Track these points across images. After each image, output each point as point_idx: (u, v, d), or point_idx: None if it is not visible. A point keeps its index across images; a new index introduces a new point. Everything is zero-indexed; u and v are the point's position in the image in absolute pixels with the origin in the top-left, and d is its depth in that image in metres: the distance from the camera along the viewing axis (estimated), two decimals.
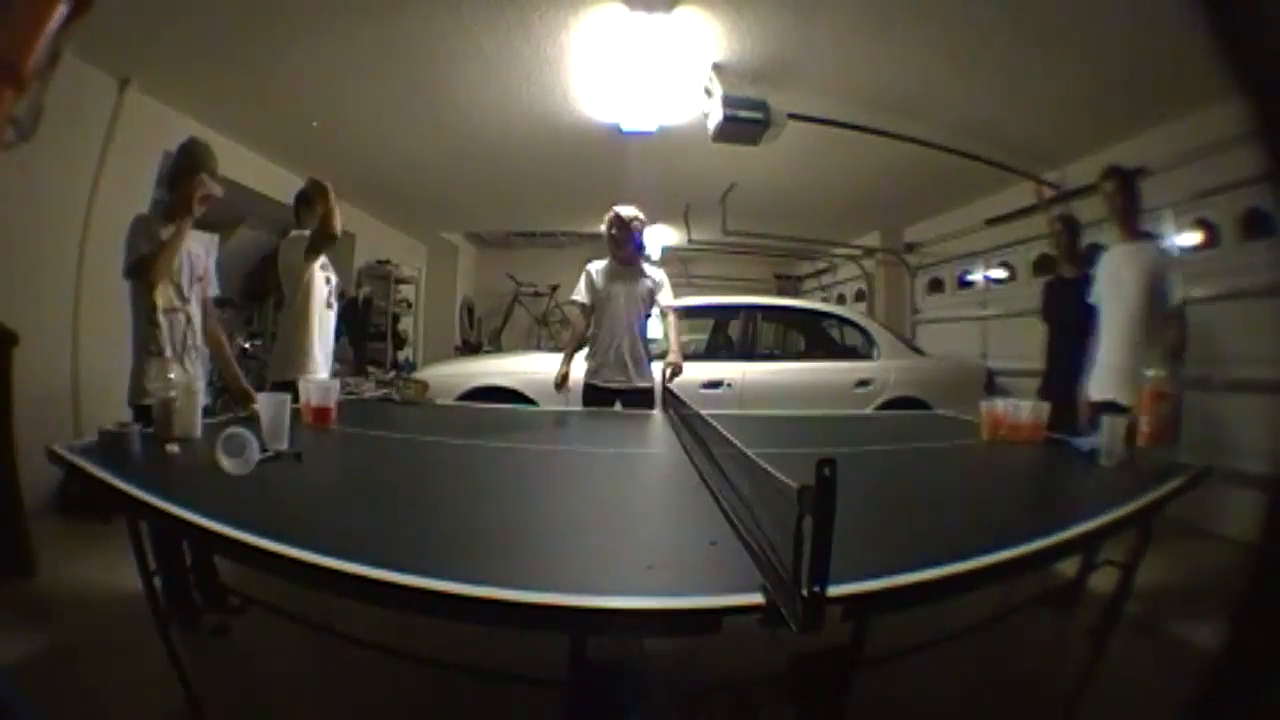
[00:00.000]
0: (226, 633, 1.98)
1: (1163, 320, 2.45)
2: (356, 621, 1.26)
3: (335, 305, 2.79)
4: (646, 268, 3.08)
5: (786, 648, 0.81)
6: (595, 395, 2.98)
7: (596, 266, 3.08)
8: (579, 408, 3.00)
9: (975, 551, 0.94)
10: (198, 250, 2.35)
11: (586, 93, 3.71)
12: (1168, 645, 2.01)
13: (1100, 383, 2.54)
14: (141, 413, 1.98)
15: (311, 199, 2.65)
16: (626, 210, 3.01)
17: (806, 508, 0.70)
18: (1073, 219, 3.35)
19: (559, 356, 3.09)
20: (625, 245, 3.00)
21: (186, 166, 2.28)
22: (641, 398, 2.94)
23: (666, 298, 3.03)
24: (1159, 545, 1.63)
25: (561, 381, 3.00)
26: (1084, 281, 3.08)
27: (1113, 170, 2.66)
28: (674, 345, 2.94)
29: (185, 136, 2.59)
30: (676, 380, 2.82)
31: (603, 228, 3.04)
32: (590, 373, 3.02)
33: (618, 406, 2.93)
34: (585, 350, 3.10)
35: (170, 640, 1.42)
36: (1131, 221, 2.61)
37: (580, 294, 3.08)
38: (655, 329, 3.18)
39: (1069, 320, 3.06)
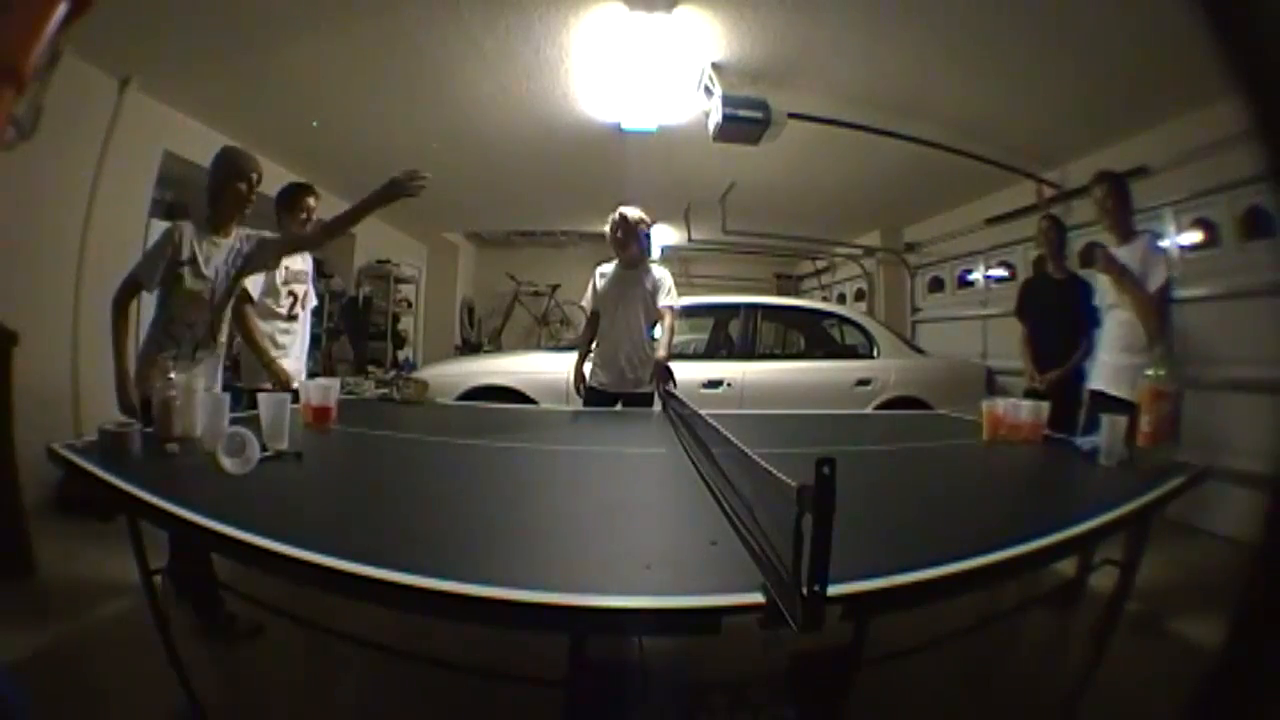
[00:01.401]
0: (227, 632, 1.98)
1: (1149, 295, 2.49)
2: (357, 621, 1.26)
3: (302, 314, 2.74)
4: (652, 269, 3.05)
5: (786, 648, 0.81)
6: (597, 398, 2.97)
7: (603, 269, 3.07)
8: (579, 408, 3.00)
9: (975, 551, 0.94)
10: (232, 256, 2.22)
11: (587, 92, 3.71)
12: (1168, 645, 2.01)
13: (1095, 374, 2.68)
14: (146, 406, 1.96)
15: (293, 205, 2.65)
16: (631, 211, 2.97)
17: (806, 507, 0.70)
18: (1060, 220, 3.37)
19: (559, 356, 3.08)
20: (628, 247, 2.96)
21: (227, 174, 2.17)
22: (643, 401, 2.93)
23: (667, 298, 2.98)
24: (1159, 545, 1.63)
25: (580, 385, 3.02)
26: (1071, 283, 3.11)
27: (1103, 175, 2.69)
28: (662, 344, 2.87)
29: (184, 136, 2.54)
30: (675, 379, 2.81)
31: (607, 229, 3.01)
32: (594, 375, 3.02)
33: (618, 407, 2.93)
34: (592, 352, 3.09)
35: (170, 640, 1.42)
36: (1124, 225, 2.64)
37: (586, 298, 3.10)
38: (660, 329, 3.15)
39: (1052, 319, 3.13)
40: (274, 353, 2.55)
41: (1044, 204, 4.36)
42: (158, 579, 1.42)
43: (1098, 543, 1.50)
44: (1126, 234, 2.63)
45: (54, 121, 3.47)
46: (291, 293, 2.69)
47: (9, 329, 2.58)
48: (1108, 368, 2.61)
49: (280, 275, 2.62)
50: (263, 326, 2.57)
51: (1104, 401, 2.44)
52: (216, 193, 2.17)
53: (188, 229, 2.13)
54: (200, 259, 2.12)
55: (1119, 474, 1.62)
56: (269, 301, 2.61)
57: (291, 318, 2.68)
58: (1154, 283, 2.47)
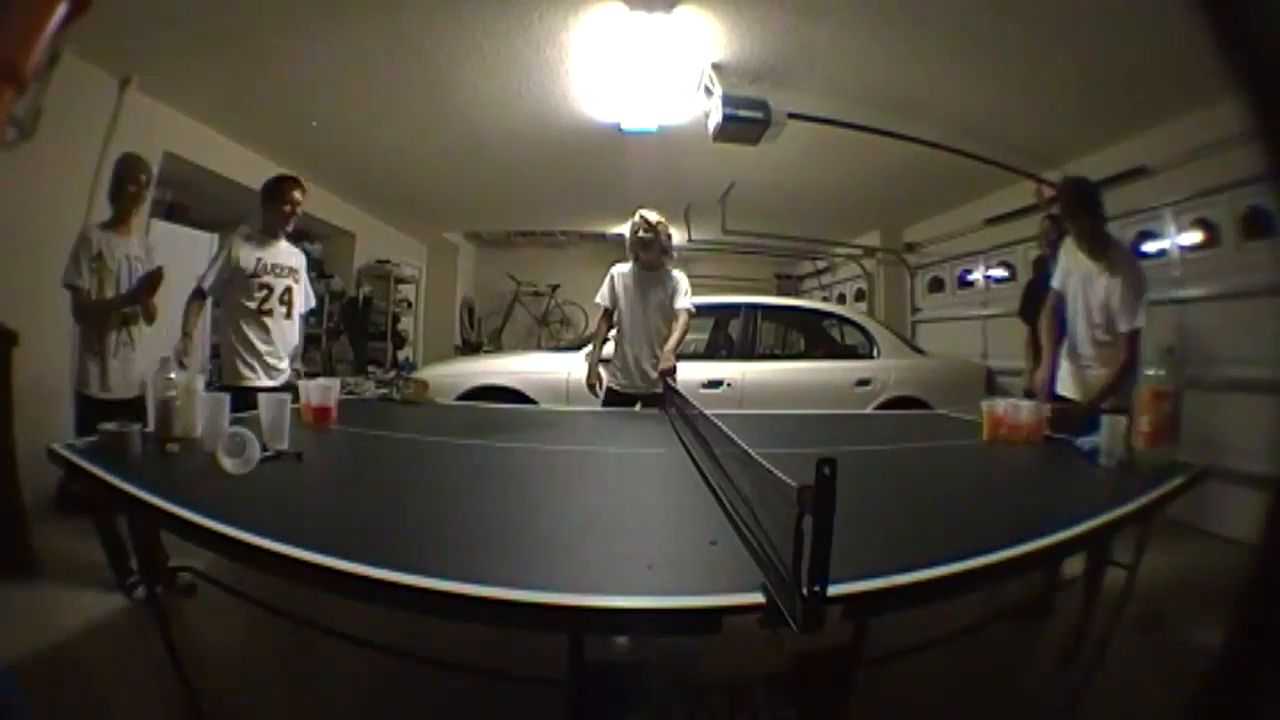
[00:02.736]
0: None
1: (1115, 339, 2.30)
2: (357, 621, 1.26)
3: (282, 309, 2.69)
4: (672, 271, 3.05)
5: (787, 648, 0.81)
6: (616, 399, 2.97)
7: (620, 270, 3.06)
8: (579, 407, 3.00)
9: (975, 551, 0.94)
10: (136, 252, 2.55)
11: (587, 92, 3.71)
12: (1168, 645, 2.01)
13: (1059, 380, 2.53)
14: (84, 402, 2.38)
15: (277, 197, 2.66)
16: (653, 214, 2.96)
17: (806, 507, 0.70)
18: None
19: (559, 356, 3.07)
20: (651, 250, 2.95)
21: (123, 173, 2.53)
22: (662, 402, 2.92)
23: (684, 299, 2.97)
24: (1159, 545, 1.63)
25: (596, 383, 3.01)
26: None
27: (1064, 201, 2.44)
28: (670, 343, 2.85)
29: (184, 136, 2.68)
30: (676, 380, 2.81)
31: (625, 231, 3.00)
32: (612, 377, 3.01)
33: (638, 408, 2.92)
34: (608, 350, 3.07)
35: (170, 640, 1.42)
36: (1099, 241, 2.37)
37: (603, 297, 3.07)
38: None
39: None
40: (244, 353, 2.59)
41: (1044, 204, 4.35)
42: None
43: (1098, 543, 1.51)
44: (1103, 245, 2.37)
45: (54, 121, 3.48)
46: (265, 285, 2.61)
47: (9, 329, 2.58)
48: (1070, 376, 2.48)
49: (250, 266, 2.58)
50: (232, 324, 2.62)
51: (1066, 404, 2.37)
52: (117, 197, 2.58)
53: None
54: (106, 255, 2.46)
55: (1119, 474, 1.62)
56: (240, 297, 2.59)
57: (264, 313, 2.61)
58: (1129, 323, 2.23)
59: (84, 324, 2.47)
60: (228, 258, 2.58)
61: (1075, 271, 2.45)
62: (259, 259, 2.60)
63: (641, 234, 2.94)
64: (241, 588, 1.54)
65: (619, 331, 3.03)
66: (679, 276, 3.04)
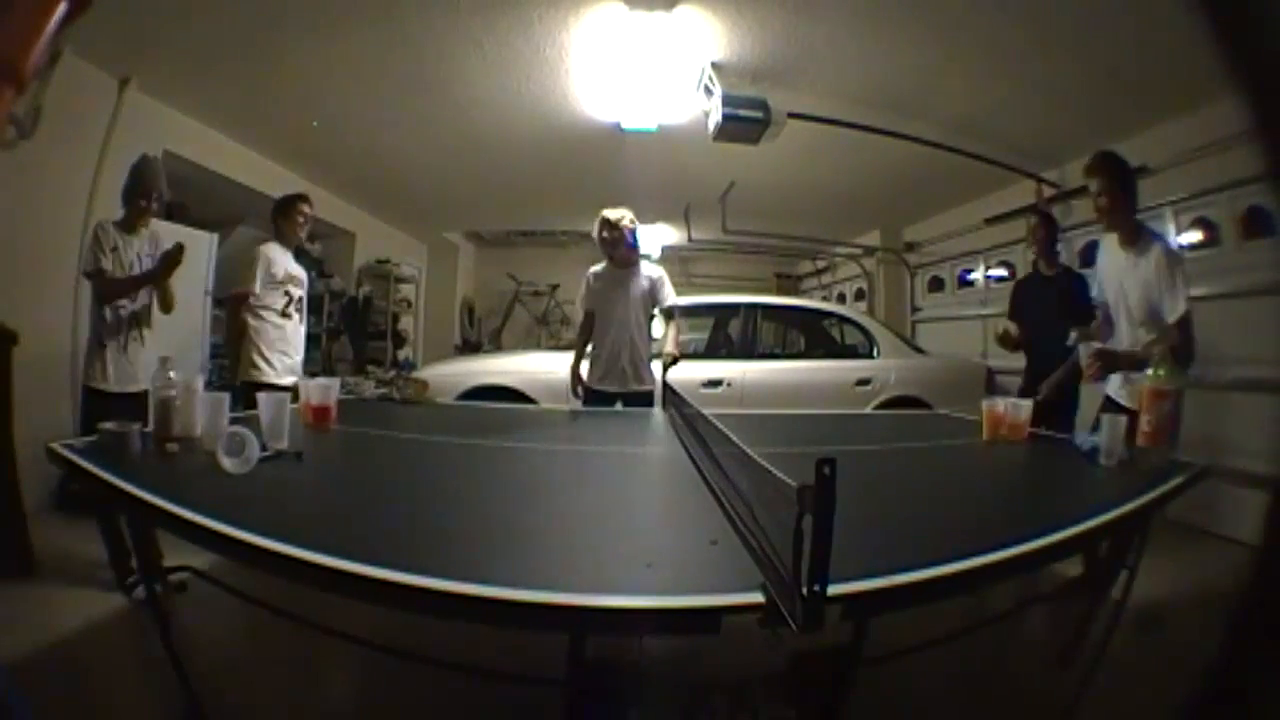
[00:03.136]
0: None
1: (1167, 329, 2.11)
2: (356, 621, 1.26)
3: (296, 315, 2.89)
4: (644, 267, 3.06)
5: (786, 647, 0.81)
6: (598, 399, 2.99)
7: (595, 270, 3.09)
8: (579, 407, 3.00)
9: (975, 551, 0.94)
10: (147, 250, 2.55)
11: (587, 91, 3.72)
12: (1168, 645, 2.01)
13: (1110, 383, 2.35)
14: (92, 396, 2.38)
15: (288, 213, 2.88)
16: (614, 212, 2.99)
17: (806, 507, 0.70)
18: (1051, 216, 3.34)
19: (559, 355, 3.08)
20: (617, 247, 2.99)
21: (138, 184, 2.55)
22: (642, 400, 2.94)
23: (667, 297, 3.01)
24: (1159, 545, 1.63)
25: (576, 385, 3.03)
26: (1063, 277, 3.09)
27: (1101, 163, 2.23)
28: (671, 341, 2.89)
29: (184, 136, 2.70)
30: (676, 379, 2.81)
31: (593, 232, 3.04)
32: (592, 377, 3.02)
33: (618, 407, 2.93)
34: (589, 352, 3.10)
35: (170, 640, 1.42)
36: (1128, 221, 2.21)
37: (580, 300, 3.11)
38: (659, 328, 3.13)
39: (1049, 316, 3.00)
40: (265, 350, 2.73)
41: (1044, 204, 4.36)
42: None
43: (1098, 542, 1.51)
44: (1133, 232, 2.20)
45: (54, 121, 3.50)
46: (287, 293, 2.83)
47: (9, 329, 2.58)
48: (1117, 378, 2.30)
49: (279, 272, 2.78)
50: (254, 322, 2.75)
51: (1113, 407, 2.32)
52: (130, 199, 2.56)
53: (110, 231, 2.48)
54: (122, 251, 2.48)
55: (1119, 474, 1.62)
56: (265, 299, 2.77)
57: (285, 315, 2.83)
58: (1179, 309, 2.05)
59: (106, 308, 2.45)
60: (266, 262, 2.77)
61: (1111, 271, 2.27)
62: (285, 267, 2.83)
63: (605, 234, 2.97)
64: (241, 588, 1.55)
65: (597, 331, 3.05)
66: (657, 274, 3.05)
